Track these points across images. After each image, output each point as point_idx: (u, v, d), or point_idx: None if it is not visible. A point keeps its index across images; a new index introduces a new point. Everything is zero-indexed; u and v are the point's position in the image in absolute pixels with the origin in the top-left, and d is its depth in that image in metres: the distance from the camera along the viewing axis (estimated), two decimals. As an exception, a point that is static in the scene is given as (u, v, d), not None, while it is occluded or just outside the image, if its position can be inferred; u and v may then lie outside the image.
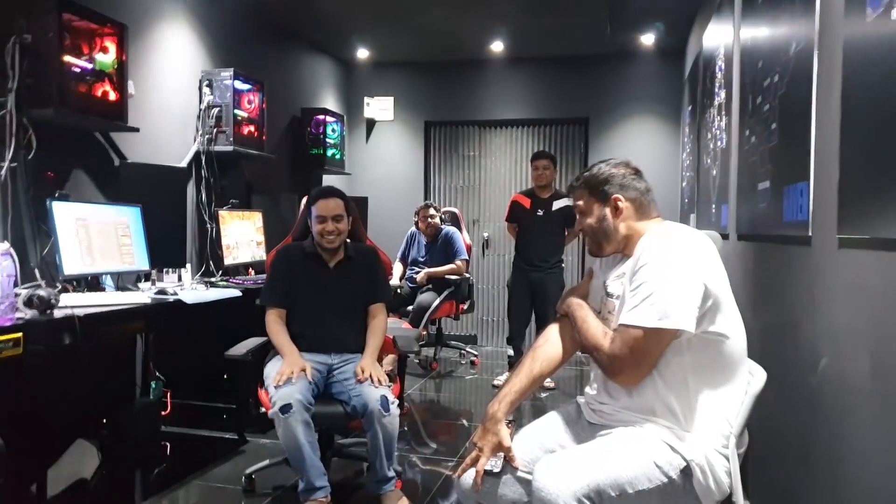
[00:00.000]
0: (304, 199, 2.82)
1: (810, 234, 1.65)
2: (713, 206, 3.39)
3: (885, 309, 1.23)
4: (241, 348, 2.58)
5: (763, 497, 2.15)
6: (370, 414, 2.34)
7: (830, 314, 1.52)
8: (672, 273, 1.48)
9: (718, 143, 3.25)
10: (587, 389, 1.76)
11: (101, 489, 2.76)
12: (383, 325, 2.71)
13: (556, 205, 4.52)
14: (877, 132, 1.24)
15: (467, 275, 5.08)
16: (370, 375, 2.42)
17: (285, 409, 2.25)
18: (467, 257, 5.07)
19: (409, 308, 4.83)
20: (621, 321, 1.52)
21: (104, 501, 2.66)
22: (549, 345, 1.74)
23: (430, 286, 4.92)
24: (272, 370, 2.45)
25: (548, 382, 4.51)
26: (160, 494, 2.71)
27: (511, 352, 4.66)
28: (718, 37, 3.36)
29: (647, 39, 5.36)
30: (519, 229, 4.66)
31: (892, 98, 1.17)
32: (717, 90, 3.34)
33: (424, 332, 5.01)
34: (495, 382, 4.65)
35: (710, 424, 1.52)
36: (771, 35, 2.16)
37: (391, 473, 2.46)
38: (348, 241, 2.74)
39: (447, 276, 4.90)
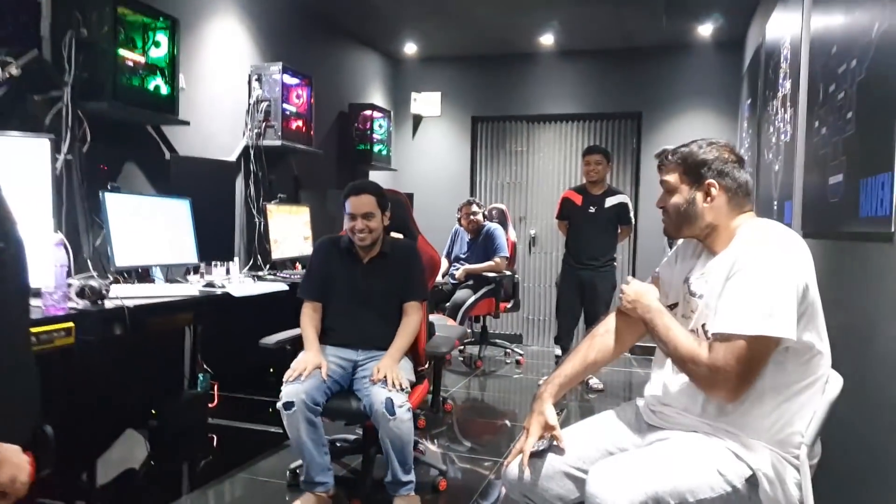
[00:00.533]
0: (393, 195, 2.77)
1: (893, 229, 1.52)
2: (775, 202, 3.22)
3: None
4: (275, 338, 2.59)
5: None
6: (375, 415, 2.31)
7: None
8: (774, 277, 1.36)
9: (782, 137, 3.09)
10: (647, 389, 1.67)
11: (148, 480, 2.80)
12: (415, 324, 2.59)
13: (609, 202, 4.38)
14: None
15: (507, 272, 4.99)
16: (385, 377, 2.35)
17: (287, 405, 2.29)
18: (507, 254, 4.97)
19: (446, 305, 4.78)
20: (721, 329, 1.38)
21: (151, 492, 2.69)
22: (608, 335, 1.69)
23: (469, 282, 4.86)
24: (295, 364, 2.45)
25: (596, 384, 4.39)
26: (205, 486, 2.73)
27: (559, 351, 4.56)
28: (784, 25, 3.19)
29: (705, 30, 5.16)
30: (570, 227, 4.55)
31: None
32: (781, 81, 3.17)
33: (472, 329, 4.96)
34: (541, 383, 4.51)
35: (781, 433, 1.41)
36: (847, 19, 2.01)
37: (406, 478, 2.40)
38: (393, 235, 2.69)
39: (486, 274, 4.83)
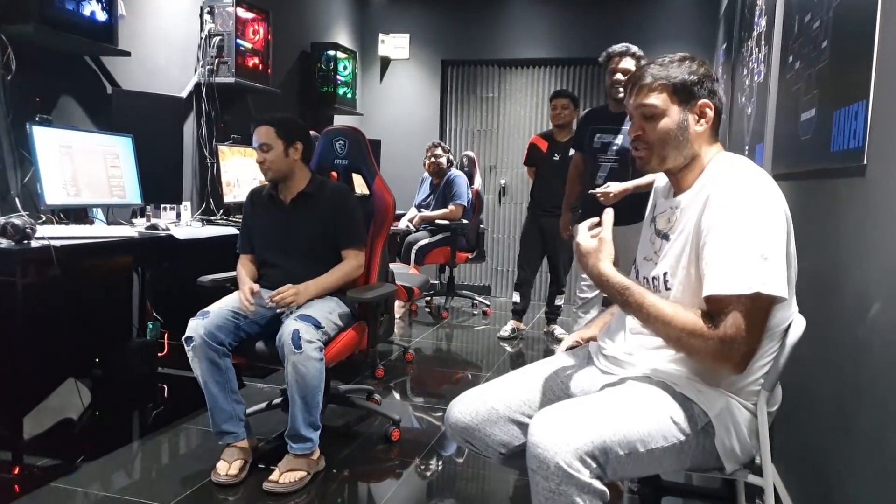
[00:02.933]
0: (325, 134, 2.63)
1: (865, 162, 1.42)
2: (746, 147, 3.12)
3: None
4: (210, 277, 2.50)
5: (793, 460, 1.97)
6: (281, 349, 2.13)
7: (887, 252, 1.30)
8: (766, 227, 1.22)
9: (755, 78, 2.97)
10: (601, 332, 1.57)
11: (90, 429, 2.68)
12: (347, 269, 2.43)
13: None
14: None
15: (465, 221, 4.84)
16: (282, 300, 2.23)
17: (187, 340, 2.21)
18: (464, 203, 4.81)
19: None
20: (718, 290, 1.21)
21: (93, 441, 2.57)
22: None
23: (431, 227, 4.76)
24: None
25: (561, 333, 4.34)
26: (149, 437, 2.62)
27: (517, 298, 4.46)
28: (762, -41, 3.03)
29: (682, -28, 4.97)
30: (536, 173, 4.45)
31: None
32: (756, 20, 3.03)
33: (418, 267, 4.82)
34: (501, 334, 4.45)
35: (741, 380, 1.33)
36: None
37: (306, 433, 2.20)
38: (318, 176, 2.55)
39: (440, 221, 4.70)
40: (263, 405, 2.70)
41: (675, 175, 1.44)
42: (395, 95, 6.00)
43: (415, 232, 4.78)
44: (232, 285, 2.49)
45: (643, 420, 1.27)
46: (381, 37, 5.89)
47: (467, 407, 1.53)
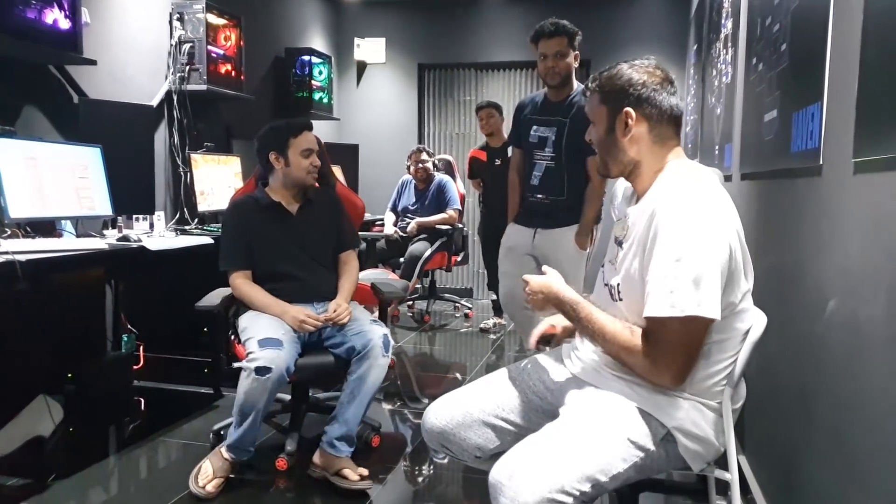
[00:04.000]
0: (263, 138, 2.52)
1: (821, 162, 1.44)
2: (716, 147, 3.15)
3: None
4: (214, 298, 2.39)
5: (761, 451, 2.00)
6: (370, 351, 2.23)
7: (841, 251, 1.32)
8: (700, 248, 1.22)
9: (723, 79, 3.00)
10: (575, 342, 1.58)
11: (62, 446, 2.64)
12: (356, 270, 2.57)
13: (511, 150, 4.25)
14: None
15: (460, 225, 4.90)
16: (342, 316, 2.32)
17: (262, 371, 2.07)
18: (460, 207, 4.87)
19: (401, 259, 4.65)
20: (654, 312, 1.23)
21: (65, 458, 2.54)
22: None
23: (421, 236, 4.74)
24: (251, 324, 2.26)
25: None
26: (124, 451, 2.59)
27: (495, 296, 4.50)
28: (728, -39, 3.07)
29: (653, -27, 5.01)
30: (483, 184, 4.61)
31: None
32: (723, 21, 3.07)
33: (417, 285, 4.86)
34: (482, 326, 4.68)
35: (704, 382, 1.33)
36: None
37: (356, 431, 2.29)
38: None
39: (439, 227, 4.72)
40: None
41: (630, 180, 1.45)
42: (372, 100, 5.99)
43: (413, 241, 4.72)
44: (225, 308, 2.41)
45: (600, 450, 1.27)
46: (357, 41, 5.87)
47: (443, 411, 1.54)
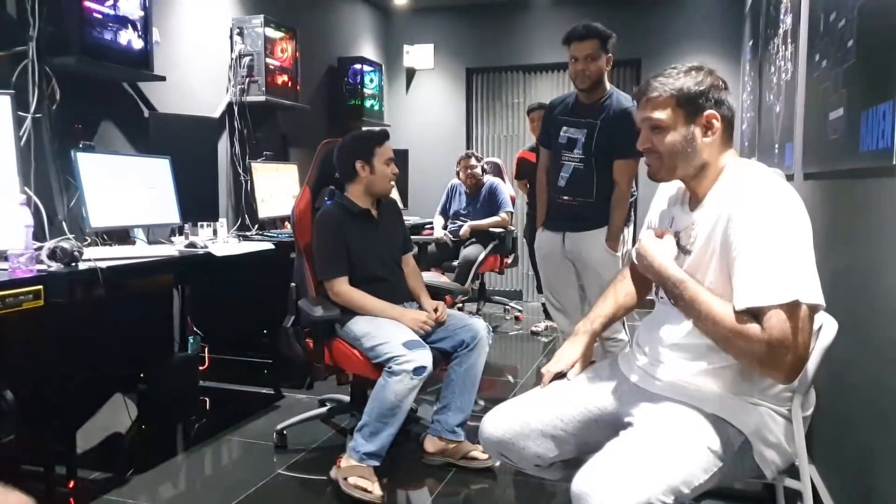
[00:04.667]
0: (327, 146, 2.67)
1: (894, 161, 1.41)
2: (776, 146, 3.09)
3: None
4: (322, 308, 2.39)
5: (832, 461, 1.95)
6: (480, 342, 2.45)
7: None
8: (800, 238, 1.25)
9: (783, 76, 2.94)
10: (632, 343, 1.58)
11: (136, 443, 2.77)
12: (420, 272, 2.74)
13: None
14: None
15: (512, 227, 4.92)
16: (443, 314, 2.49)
17: (420, 370, 2.19)
18: (512, 209, 4.89)
19: (454, 263, 4.70)
20: (758, 301, 1.21)
21: (139, 455, 2.67)
22: (627, 282, 1.66)
23: (473, 240, 4.78)
24: (373, 329, 2.33)
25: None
26: (193, 449, 2.71)
27: (544, 299, 4.51)
28: (786, -44, 3.01)
29: (706, -30, 4.93)
30: (530, 186, 4.54)
31: None
32: (782, 17, 3.00)
33: (471, 288, 4.90)
34: (533, 329, 4.71)
35: (774, 386, 1.32)
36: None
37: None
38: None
39: (491, 230, 4.74)
40: (299, 417, 2.73)
41: (689, 183, 1.45)
42: (422, 105, 6.06)
43: (465, 244, 4.77)
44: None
45: (682, 461, 1.26)
46: (406, 48, 5.96)
47: (500, 421, 1.55)
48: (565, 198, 2.81)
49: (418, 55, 5.99)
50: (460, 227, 4.86)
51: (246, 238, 3.39)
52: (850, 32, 1.77)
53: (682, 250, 1.42)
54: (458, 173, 5.00)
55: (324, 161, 2.66)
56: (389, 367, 2.20)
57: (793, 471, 1.40)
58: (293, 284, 2.55)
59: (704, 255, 1.35)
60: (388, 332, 2.30)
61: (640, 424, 1.36)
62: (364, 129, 2.67)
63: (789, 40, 2.79)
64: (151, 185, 2.90)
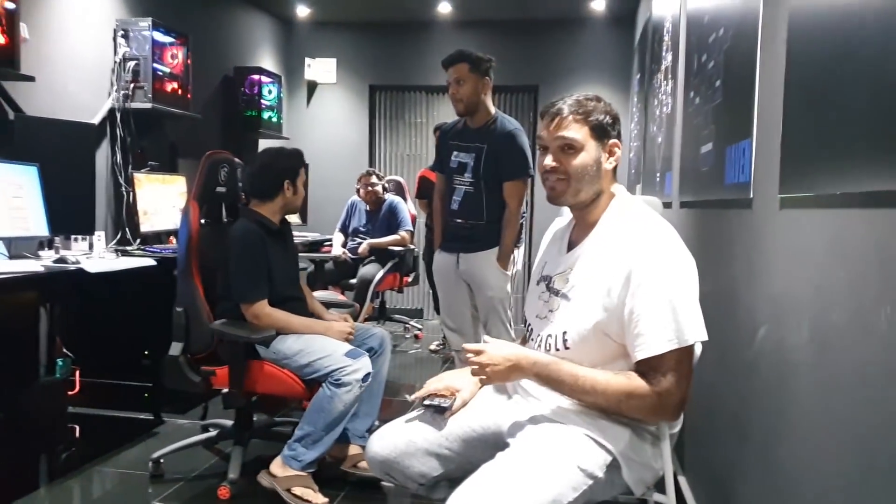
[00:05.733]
0: (211, 158, 2.59)
1: (751, 195, 1.52)
2: (658, 174, 3.27)
3: (825, 273, 1.10)
4: (249, 329, 2.32)
5: (701, 473, 2.06)
6: (385, 347, 2.57)
7: (770, 281, 1.40)
8: (684, 278, 1.33)
9: (664, 109, 3.13)
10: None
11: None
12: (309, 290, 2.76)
13: None
14: (824, 80, 1.10)
15: (412, 246, 4.91)
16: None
17: (366, 377, 2.27)
18: (412, 228, 4.88)
19: (352, 281, 4.62)
20: (656, 350, 1.27)
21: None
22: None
23: (372, 258, 4.73)
24: (305, 345, 2.31)
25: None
26: (60, 481, 2.48)
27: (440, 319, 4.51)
28: (667, -3, 3.21)
29: (598, 5, 5.19)
30: (430, 205, 4.38)
31: (838, 43, 1.02)
32: (664, 53, 3.20)
33: (372, 307, 4.83)
34: (431, 347, 4.73)
35: None
36: (718, -15, 2.01)
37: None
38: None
39: (391, 248, 4.71)
40: (177, 444, 2.56)
41: (583, 210, 1.49)
42: (323, 119, 5.97)
43: (363, 262, 4.70)
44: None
45: (552, 479, 1.28)
46: (308, 61, 5.87)
47: (387, 440, 1.54)
48: (458, 220, 2.87)
49: (320, 69, 5.91)
50: (360, 244, 4.80)
51: (126, 253, 3.19)
52: (718, 73, 1.91)
53: (556, 293, 1.46)
54: (358, 190, 4.95)
55: (209, 173, 2.54)
56: (336, 379, 2.23)
57: (662, 485, 1.46)
58: (180, 309, 2.39)
59: (580, 298, 1.39)
60: (324, 345, 2.32)
61: (515, 444, 1.38)
62: (276, 146, 2.64)
63: (669, 76, 2.98)
64: (15, 194, 2.67)
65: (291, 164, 2.52)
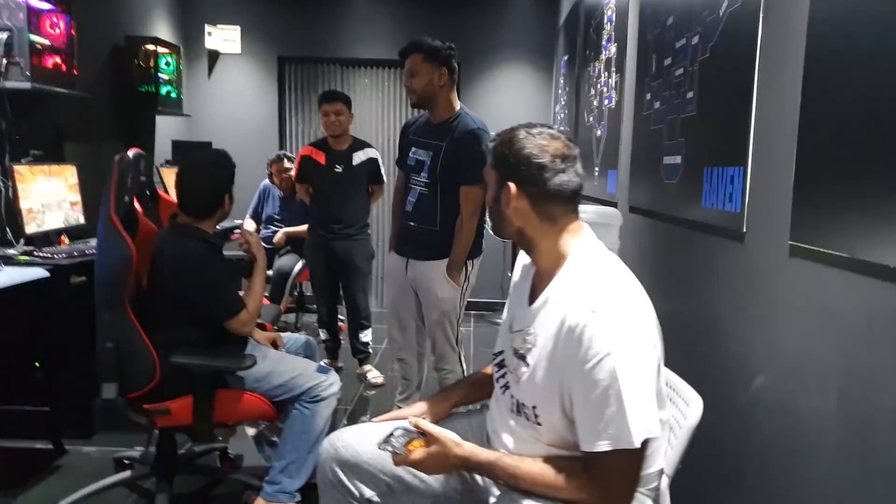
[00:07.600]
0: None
1: (744, 230, 1.44)
2: (596, 168, 3.20)
3: (855, 339, 1.02)
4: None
5: None
6: (315, 352, 2.53)
7: (773, 329, 1.31)
8: (634, 367, 1.12)
9: (606, 102, 3.04)
10: (489, 424, 1.45)
11: None
12: None
13: (358, 157, 3.67)
14: (852, 121, 1.00)
15: None
16: None
17: (339, 391, 2.25)
18: None
19: (268, 273, 4.30)
20: (596, 447, 1.13)
21: None
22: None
23: (288, 248, 4.43)
24: (275, 365, 2.20)
25: (375, 377, 3.80)
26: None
27: (324, 336, 3.93)
28: (606, -17, 3.09)
29: (521, -20, 5.03)
30: (314, 190, 3.74)
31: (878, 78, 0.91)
32: (605, 44, 3.09)
33: (290, 300, 4.54)
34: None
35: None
36: (686, -13, 1.89)
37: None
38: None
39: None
40: (94, 486, 2.25)
41: (528, 254, 1.35)
42: (227, 93, 5.49)
43: (279, 253, 4.35)
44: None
45: None
46: (208, 28, 5.34)
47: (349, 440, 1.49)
48: (411, 223, 2.62)
49: (222, 37, 5.39)
50: (274, 233, 4.47)
51: (8, 260, 2.74)
52: (690, 84, 1.80)
53: (517, 354, 1.30)
54: (270, 176, 4.59)
55: (124, 178, 2.17)
56: (314, 395, 2.17)
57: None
58: (109, 345, 2.04)
59: (539, 370, 1.24)
60: (294, 364, 2.25)
61: None
62: (201, 153, 2.57)
63: (613, 69, 2.88)
64: None
65: (227, 174, 2.27)
